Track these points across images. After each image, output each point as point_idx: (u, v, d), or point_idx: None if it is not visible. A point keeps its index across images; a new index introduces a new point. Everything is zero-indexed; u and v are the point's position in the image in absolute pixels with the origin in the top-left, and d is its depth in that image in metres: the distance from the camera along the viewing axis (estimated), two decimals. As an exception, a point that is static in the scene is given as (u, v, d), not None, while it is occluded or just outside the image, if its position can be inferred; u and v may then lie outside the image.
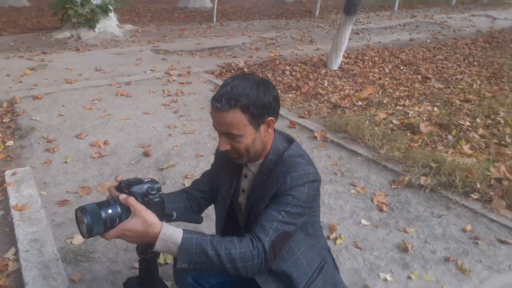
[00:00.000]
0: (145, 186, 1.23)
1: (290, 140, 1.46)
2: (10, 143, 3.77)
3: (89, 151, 3.63)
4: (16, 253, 2.37)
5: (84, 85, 5.33)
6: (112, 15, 8.85)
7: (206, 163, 3.42)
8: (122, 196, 1.16)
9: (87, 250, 2.40)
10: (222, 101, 1.24)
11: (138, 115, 4.45)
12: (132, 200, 1.15)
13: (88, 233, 1.11)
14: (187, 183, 3.10)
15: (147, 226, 1.13)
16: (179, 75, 5.93)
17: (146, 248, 1.30)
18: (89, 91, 5.15)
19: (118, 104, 4.76)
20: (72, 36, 8.35)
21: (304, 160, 1.38)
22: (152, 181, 1.26)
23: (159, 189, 1.25)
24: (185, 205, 1.57)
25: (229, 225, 1.60)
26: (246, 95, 1.25)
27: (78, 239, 2.50)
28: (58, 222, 2.67)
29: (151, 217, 1.14)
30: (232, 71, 6.16)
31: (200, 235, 1.19)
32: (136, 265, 2.28)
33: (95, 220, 1.11)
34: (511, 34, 9.10)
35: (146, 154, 3.58)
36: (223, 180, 1.55)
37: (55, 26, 9.25)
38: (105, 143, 3.77)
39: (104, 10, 8.45)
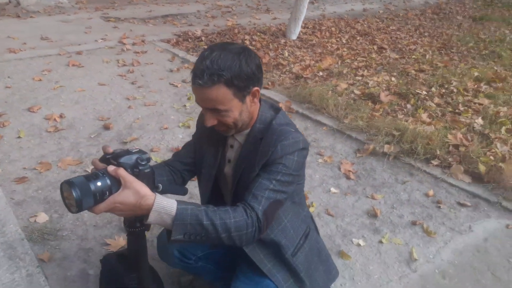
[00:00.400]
0: (134, 156, 1.17)
1: (276, 109, 1.44)
2: (-48, 118, 3.46)
3: (44, 125, 3.41)
4: (-25, 236, 2.23)
5: (31, 55, 4.95)
6: (54, -22, 8.20)
7: (171, 136, 3.34)
8: (111, 168, 1.09)
9: (54, 228, 2.29)
10: (203, 77, 1.18)
11: (94, 87, 4.22)
12: (122, 172, 1.09)
13: (78, 207, 1.05)
14: (154, 157, 3.02)
15: (139, 197, 1.08)
16: (133, 44, 5.66)
17: (135, 222, 1.25)
18: (36, 61, 4.80)
19: (70, 75, 4.48)
20: (10, 1, 7.65)
21: (292, 128, 1.38)
22: (140, 151, 1.19)
23: (148, 159, 1.19)
24: (168, 178, 1.52)
25: (214, 197, 1.58)
26: (229, 68, 1.19)
27: (43, 217, 2.38)
28: (18, 200, 2.52)
29: (144, 189, 1.09)
30: (189, 40, 5.98)
31: (194, 206, 1.16)
32: (108, 241, 2.22)
33: (84, 193, 1.04)
34: (457, 6, 9.50)
35: (107, 127, 3.42)
36: (207, 151, 1.51)
37: (-11, -11, 8.43)
38: (61, 116, 3.56)
39: (45, -27, 7.81)
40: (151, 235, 2.22)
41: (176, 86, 4.34)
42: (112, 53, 5.27)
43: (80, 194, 1.04)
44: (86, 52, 5.22)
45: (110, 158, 1.16)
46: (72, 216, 2.38)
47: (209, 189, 1.54)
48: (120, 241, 2.20)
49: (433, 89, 4.14)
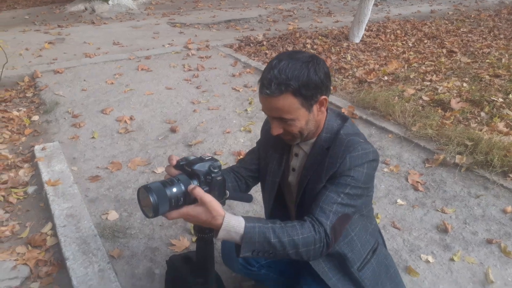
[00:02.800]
0: (207, 164, 1.19)
1: (343, 118, 1.40)
2: (35, 118, 3.76)
3: (116, 127, 3.61)
4: (53, 228, 2.39)
5: (104, 59, 5.27)
6: (125, -14, 8.69)
7: (233, 140, 3.39)
8: (191, 187, 1.12)
9: (123, 226, 2.41)
10: (271, 87, 1.19)
11: (161, 90, 4.40)
12: (199, 191, 1.11)
13: (154, 211, 1.09)
14: (217, 160, 3.07)
15: (211, 217, 1.11)
16: (198, 49, 5.83)
17: (205, 228, 1.28)
18: (109, 65, 5.10)
19: (139, 78, 4.71)
20: (86, 9, 8.24)
21: (361, 138, 1.33)
22: (213, 159, 1.22)
23: (220, 167, 1.21)
24: (232, 184, 1.54)
25: (277, 205, 1.57)
26: (297, 78, 1.19)
27: (113, 215, 2.51)
28: (91, 197, 2.68)
29: (216, 208, 1.11)
30: (251, 44, 6.04)
31: (262, 223, 1.16)
32: (174, 241, 2.29)
33: (161, 199, 1.08)
34: (537, 6, 8.77)
35: (173, 130, 3.55)
36: (271, 158, 1.51)
37: (68, -1, 9.12)
38: (131, 118, 3.74)
39: (117, -18, 8.30)
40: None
41: (238, 90, 4.40)
42: (178, 58, 5.46)
43: (157, 200, 1.08)
44: (154, 57, 5.45)
45: (184, 165, 1.20)
46: (140, 215, 2.49)
47: (273, 197, 1.53)
48: (184, 242, 2.26)
49: (510, 96, 3.84)
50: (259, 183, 1.63)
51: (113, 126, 3.63)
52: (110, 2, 8.32)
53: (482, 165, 2.83)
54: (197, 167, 1.18)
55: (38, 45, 5.78)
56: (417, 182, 2.74)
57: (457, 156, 2.92)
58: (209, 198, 1.11)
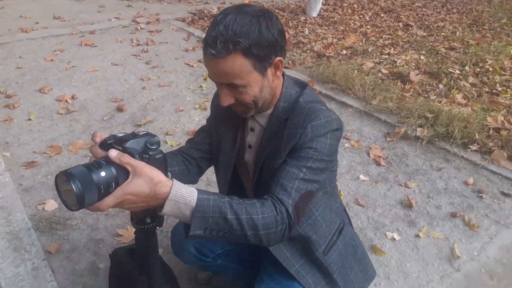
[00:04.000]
0: (142, 140, 0.95)
1: (302, 84, 1.22)
2: (-39, 99, 3.34)
3: (56, 107, 3.26)
4: (-20, 224, 2.10)
5: (43, 35, 4.80)
6: (67, -44, 7.99)
7: (187, 118, 3.16)
8: (114, 153, 0.89)
9: (63, 217, 2.15)
10: (217, 46, 0.97)
11: (107, 67, 4.05)
12: (127, 158, 0.89)
13: (79, 203, 0.85)
14: (169, 141, 2.85)
15: (153, 185, 0.88)
16: (148, 23, 5.45)
17: (144, 217, 1.06)
18: (49, 41, 4.64)
19: (83, 55, 4.32)
20: (22, -21, 7.50)
21: (323, 106, 1.15)
22: (148, 134, 0.98)
23: (158, 143, 0.98)
24: (180, 168, 1.32)
25: (233, 187, 1.38)
26: (246, 34, 0.97)
27: (51, 204, 2.23)
28: (26, 186, 2.38)
29: (157, 174, 0.89)
30: (205, 18, 5.74)
31: (217, 196, 0.97)
32: (121, 231, 2.07)
33: (86, 186, 0.84)
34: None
35: (120, 109, 3.26)
36: (224, 136, 1.30)
37: (2, -32, 8.29)
38: (73, 97, 3.40)
39: (58, -50, 7.60)
40: (166, 226, 2.06)
41: (192, 66, 4.14)
42: (126, 32, 5.08)
43: (82, 188, 0.84)
44: (99, 32, 5.04)
45: (112, 143, 0.97)
46: (82, 204, 2.23)
47: (228, 178, 1.34)
48: (132, 232, 2.04)
49: (466, 68, 3.84)
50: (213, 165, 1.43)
51: (53, 106, 3.28)
52: (50, -27, 7.64)
53: (443, 138, 2.78)
54: (129, 144, 0.94)
55: (-35, 19, 5.19)
56: (379, 156, 2.65)
57: (418, 129, 2.85)
58: (143, 164, 0.89)
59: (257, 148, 1.24)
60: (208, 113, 3.21)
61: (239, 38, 0.97)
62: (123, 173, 0.92)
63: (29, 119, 3.08)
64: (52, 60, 4.13)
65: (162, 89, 3.65)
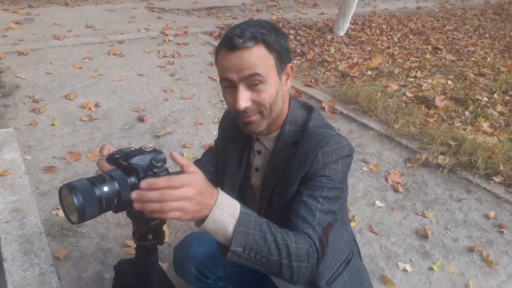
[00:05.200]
0: (148, 157, 0.95)
1: (309, 108, 1.20)
2: (-9, 101, 3.46)
3: (79, 114, 3.34)
4: (-5, 225, 2.14)
5: (74, 42, 4.96)
6: (104, -33, 8.29)
7: (206, 132, 3.17)
8: (174, 154, 0.85)
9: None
10: (243, 37, 0.99)
11: (132, 77, 4.13)
12: (185, 160, 0.85)
13: (79, 217, 0.85)
14: (186, 153, 2.86)
15: (208, 184, 0.84)
16: (176, 35, 5.56)
17: (146, 234, 1.06)
18: (79, 48, 4.79)
19: (110, 63, 4.43)
20: (61, -11, 7.82)
21: (333, 131, 1.13)
22: (155, 150, 0.98)
23: (164, 160, 0.97)
24: None
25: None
26: (269, 33, 1.03)
27: (66, 211, 2.26)
28: (43, 190, 2.43)
29: (207, 180, 0.85)
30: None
31: (255, 213, 0.91)
32: (129, 242, 2.07)
33: (88, 200, 0.84)
34: (522, 7, 8.76)
35: (141, 119, 3.30)
36: (230, 158, 1.28)
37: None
38: (96, 105, 3.48)
39: (96, -38, 7.89)
40: (175, 240, 2.05)
41: (215, 80, 4.17)
42: (154, 44, 5.19)
43: (83, 201, 0.84)
44: (128, 42, 5.17)
45: (119, 158, 0.97)
46: (94, 212, 2.25)
47: None
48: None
49: (495, 95, 3.72)
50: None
51: (76, 113, 3.36)
52: (87, -16, 7.93)
53: (466, 167, 2.68)
54: (135, 160, 0.94)
55: (3, 24, 5.41)
56: (397, 183, 2.57)
57: (440, 157, 2.76)
58: (195, 167, 0.85)
59: (264, 172, 1.21)
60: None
61: (265, 31, 1.02)
62: (128, 189, 0.92)
63: (53, 124, 3.16)
64: (80, 67, 4.24)
65: (184, 102, 3.68)
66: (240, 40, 0.99)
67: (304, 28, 5.90)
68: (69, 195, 0.85)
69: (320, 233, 1.01)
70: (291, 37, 5.52)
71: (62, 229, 2.12)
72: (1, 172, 2.47)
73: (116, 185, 0.91)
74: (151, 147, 1.00)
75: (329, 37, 5.61)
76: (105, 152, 0.97)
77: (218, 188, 0.88)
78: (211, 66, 4.53)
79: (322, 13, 7.31)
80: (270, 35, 1.03)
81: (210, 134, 3.15)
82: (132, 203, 0.92)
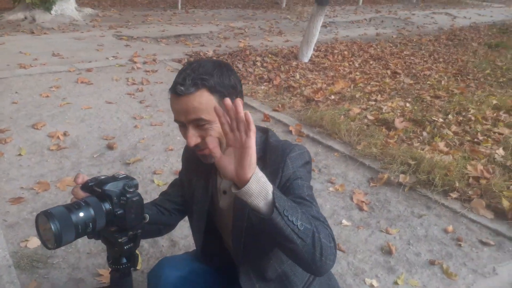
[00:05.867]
0: (121, 183, 1.02)
1: (263, 129, 1.30)
2: (-46, 133, 3.38)
3: (47, 143, 3.31)
4: (-40, 259, 2.09)
5: (41, 71, 4.94)
6: (70, -4, 8.32)
7: (176, 158, 3.22)
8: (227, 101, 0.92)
9: (45, 255, 2.15)
10: (185, 83, 1.08)
11: (101, 105, 4.15)
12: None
13: (56, 242, 0.90)
14: (156, 180, 2.89)
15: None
16: (144, 63, 5.63)
17: (120, 257, 1.11)
18: (46, 77, 4.77)
19: (78, 92, 4.43)
20: (26, 18, 7.78)
21: (290, 143, 1.25)
22: (127, 177, 1.05)
23: (136, 186, 1.05)
24: (156, 218, 1.38)
25: (209, 236, 1.42)
26: (211, 75, 1.10)
27: (34, 242, 2.24)
28: (10, 222, 2.39)
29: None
30: (182, 67, 5.92)
31: (226, 237, 1.01)
32: (101, 271, 2.07)
33: (64, 226, 0.90)
34: (471, 33, 9.37)
35: (110, 147, 3.31)
36: (196, 186, 1.35)
37: (7, 7, 8.59)
38: (65, 134, 3.46)
39: (62, -9, 7.92)
40: (146, 267, 2.07)
41: (184, 106, 4.24)
42: (122, 71, 5.23)
43: (60, 228, 0.89)
44: (96, 70, 5.19)
45: (93, 185, 1.03)
46: (65, 242, 2.23)
47: (203, 227, 1.38)
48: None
49: (449, 116, 3.97)
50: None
51: (44, 142, 3.33)
52: (52, 12, 7.92)
53: (425, 184, 2.85)
54: (108, 187, 1.01)
55: (-34, 53, 5.33)
56: (362, 201, 2.70)
57: (401, 175, 2.92)
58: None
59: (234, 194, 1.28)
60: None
61: (205, 76, 1.09)
62: (102, 216, 0.98)
63: (20, 155, 3.12)
64: (47, 96, 4.22)
65: (153, 128, 3.73)
66: (182, 88, 1.08)
67: (270, 55, 6.11)
68: (47, 221, 0.90)
69: (329, 227, 1.06)
70: (258, 64, 5.70)
71: (31, 261, 2.09)
72: (-34, 205, 2.42)
73: (92, 211, 0.97)
74: (124, 174, 1.06)
75: (294, 63, 5.83)
76: (79, 180, 1.04)
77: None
78: (180, 93, 4.60)
79: (287, 41, 7.58)
80: (212, 78, 1.10)
81: (180, 160, 3.18)
82: (107, 228, 0.98)
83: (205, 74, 1.09)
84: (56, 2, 7.93)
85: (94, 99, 4.28)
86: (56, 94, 4.30)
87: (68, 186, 2.77)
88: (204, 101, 1.09)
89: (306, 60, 5.98)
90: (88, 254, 2.18)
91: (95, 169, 3.01)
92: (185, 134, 1.16)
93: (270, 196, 0.94)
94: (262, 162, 1.19)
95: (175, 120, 1.16)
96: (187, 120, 1.12)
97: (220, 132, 1.13)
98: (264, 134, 1.28)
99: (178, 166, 3.08)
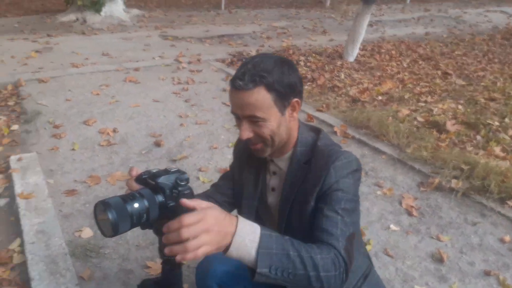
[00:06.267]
0: (173, 176, 1.04)
1: (316, 130, 1.29)
2: (15, 127, 3.58)
3: (98, 139, 3.44)
4: (22, 245, 2.21)
5: (91, 70, 5.14)
6: (118, -2, 8.61)
7: (220, 156, 3.25)
8: (184, 201, 0.91)
9: (97, 245, 2.23)
10: (244, 79, 1.09)
11: (148, 103, 4.26)
12: (198, 202, 0.91)
13: (113, 230, 0.92)
14: (201, 177, 2.93)
15: (225, 213, 0.90)
16: (189, 63, 5.72)
17: None
18: (96, 76, 4.96)
19: (126, 90, 4.57)
20: (77, 19, 8.11)
21: (341, 148, 1.23)
22: (179, 171, 1.07)
23: (187, 180, 1.06)
24: None
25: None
26: (270, 72, 1.11)
27: (87, 232, 2.34)
28: (65, 213, 2.50)
29: (223, 210, 0.92)
30: (244, 60, 5.95)
31: (276, 233, 0.97)
32: (149, 263, 2.12)
33: (121, 216, 0.92)
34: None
35: (158, 144, 3.40)
36: (246, 180, 1.37)
37: (60, 9, 8.99)
38: (114, 131, 3.59)
39: (110, -7, 8.20)
40: (193, 262, 2.10)
41: (228, 105, 4.25)
42: (168, 71, 5.34)
43: (117, 217, 0.92)
44: (143, 69, 5.33)
45: (147, 178, 1.06)
46: (115, 234, 2.31)
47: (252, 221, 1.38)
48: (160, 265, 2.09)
49: (506, 120, 3.76)
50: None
51: (95, 138, 3.46)
52: (102, 13, 8.21)
53: (479, 191, 2.71)
54: (161, 180, 1.03)
55: (24, 53, 5.63)
56: (411, 206, 2.61)
57: (453, 181, 2.80)
58: (209, 203, 0.92)
59: (281, 191, 1.28)
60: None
61: (265, 73, 1.10)
62: (156, 207, 1.00)
63: (73, 149, 3.26)
64: (98, 94, 4.39)
65: (198, 127, 3.78)
66: (241, 83, 1.10)
67: (314, 55, 6.05)
68: (104, 211, 0.93)
69: (345, 243, 1.06)
70: (302, 63, 5.65)
71: (85, 250, 2.18)
72: (26, 195, 2.56)
73: (146, 202, 0.99)
74: (176, 168, 1.09)
75: (339, 63, 5.73)
76: (134, 173, 1.06)
77: (237, 215, 0.94)
78: (224, 92, 4.65)
79: (332, 40, 7.47)
80: (271, 75, 1.11)
81: (224, 158, 3.22)
82: (160, 219, 1.00)
83: (265, 71, 1.10)
84: (105, 4, 8.22)
85: (142, 97, 4.40)
86: (105, 92, 4.46)
87: (118, 181, 2.86)
88: (260, 98, 1.11)
89: (351, 59, 5.87)
90: (137, 247, 2.24)
91: (143, 165, 3.09)
92: (239, 127, 1.18)
93: (253, 259, 0.91)
94: (308, 166, 1.20)
95: (232, 112, 1.18)
96: (242, 115, 1.15)
97: (273, 129, 1.15)
98: (315, 134, 1.27)
99: (223, 164, 3.12)
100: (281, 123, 1.17)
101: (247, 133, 1.16)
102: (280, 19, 9.53)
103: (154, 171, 1.08)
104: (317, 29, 8.59)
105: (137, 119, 3.88)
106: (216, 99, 4.46)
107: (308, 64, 5.65)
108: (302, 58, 5.88)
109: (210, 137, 3.59)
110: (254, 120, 1.14)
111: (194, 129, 3.74)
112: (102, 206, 0.94)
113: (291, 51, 6.23)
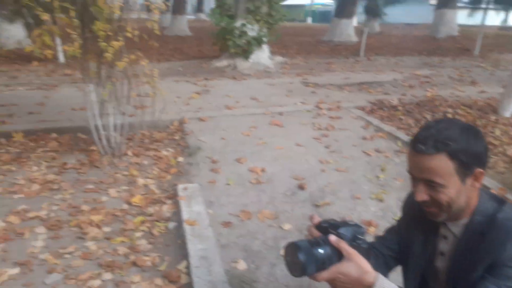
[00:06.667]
0: (351, 229, 1.15)
1: (500, 200, 1.25)
2: (180, 159, 4.15)
3: (248, 177, 3.78)
4: (188, 267, 2.52)
5: (242, 112, 5.67)
6: (265, 47, 9.42)
7: (363, 207, 3.27)
8: (334, 238, 1.09)
9: (251, 278, 2.44)
10: (427, 143, 1.12)
11: (291, 146, 4.52)
12: (344, 244, 1.08)
13: (302, 271, 1.07)
14: (345, 225, 2.98)
15: (362, 273, 1.04)
16: (329, 109, 5.91)
17: None
18: (245, 118, 5.46)
19: (272, 133, 4.93)
20: (229, 65, 9.09)
21: None
22: (357, 225, 1.18)
23: (364, 234, 1.17)
24: (375, 261, 1.45)
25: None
26: (455, 140, 1.11)
27: (242, 264, 2.56)
28: (223, 243, 2.79)
29: (366, 264, 1.06)
30: (385, 108, 5.93)
31: None
32: (296, 304, 2.23)
33: (309, 259, 1.06)
34: None
35: (301, 187, 3.58)
36: (414, 239, 1.39)
37: (214, 55, 10.20)
38: (262, 170, 3.89)
39: (259, 42, 9.03)
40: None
41: (369, 154, 4.30)
42: (309, 116, 5.60)
43: (306, 260, 1.06)
44: (286, 114, 5.69)
45: (328, 227, 1.17)
46: (267, 270, 2.50)
47: (417, 282, 1.40)
48: (309, 308, 2.19)
49: None
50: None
51: (246, 175, 3.80)
52: (250, 60, 9.07)
53: None
54: (342, 230, 1.14)
55: (187, 94, 6.51)
56: None
57: None
58: (355, 252, 1.06)
59: (452, 258, 1.28)
60: (383, 205, 3.28)
61: (449, 141, 1.11)
62: (336, 255, 1.11)
63: (228, 184, 3.63)
64: (248, 135, 4.82)
65: (339, 174, 3.87)
66: (423, 147, 1.13)
67: (462, 107, 5.73)
68: (295, 252, 1.07)
69: None
70: (449, 115, 5.40)
71: (240, 281, 2.40)
72: (191, 222, 2.93)
73: (329, 249, 1.11)
74: (353, 221, 1.19)
75: (493, 118, 5.32)
76: (315, 221, 1.20)
77: (378, 273, 1.02)
78: (364, 141, 4.69)
79: (482, 91, 6.98)
80: (456, 143, 1.11)
81: (367, 210, 3.23)
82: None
83: (450, 138, 1.12)
84: (254, 51, 9.08)
85: (285, 140, 4.69)
86: (254, 134, 4.88)
87: (266, 219, 3.09)
88: (441, 165, 1.12)
89: (507, 114, 5.40)
90: (286, 287, 2.38)
91: (288, 206, 3.28)
92: (414, 187, 1.22)
93: None
94: (483, 237, 1.18)
95: (408, 171, 1.22)
96: (419, 177, 1.18)
97: (451, 197, 1.16)
98: (498, 205, 1.23)
99: (366, 216, 3.14)
100: (460, 192, 1.17)
101: (423, 196, 1.19)
102: (422, 67, 9.28)
103: (333, 221, 1.20)
104: (464, 79, 8.12)
105: (281, 160, 4.14)
106: (356, 147, 4.52)
107: (457, 117, 5.37)
108: (449, 110, 5.62)
109: (352, 185, 3.64)
110: (431, 185, 1.16)
111: (335, 176, 3.84)
112: (294, 247, 1.09)
113: (436, 102, 6.00)
